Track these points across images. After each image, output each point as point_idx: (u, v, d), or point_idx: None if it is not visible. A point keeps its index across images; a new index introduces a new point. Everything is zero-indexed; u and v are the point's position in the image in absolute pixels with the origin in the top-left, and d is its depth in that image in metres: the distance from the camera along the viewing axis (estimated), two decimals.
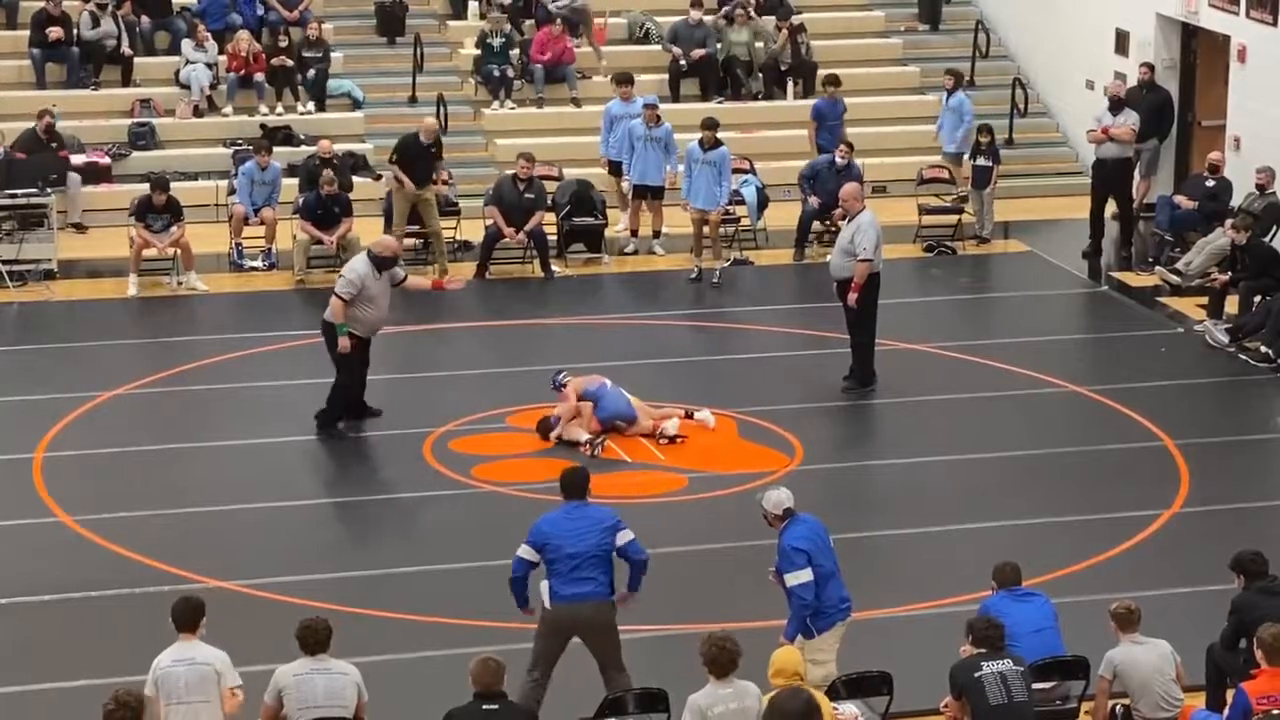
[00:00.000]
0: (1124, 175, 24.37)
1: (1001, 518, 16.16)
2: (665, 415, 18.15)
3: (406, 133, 23.55)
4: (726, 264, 23.16)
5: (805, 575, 12.22)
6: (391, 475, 17.28)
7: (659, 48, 28.13)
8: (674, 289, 22.77)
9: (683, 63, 27.36)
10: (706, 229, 22.96)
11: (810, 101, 27.15)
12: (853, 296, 18.80)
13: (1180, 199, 23.61)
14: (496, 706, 10.82)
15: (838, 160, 23.45)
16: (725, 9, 27.90)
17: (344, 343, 17.45)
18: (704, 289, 22.65)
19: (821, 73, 27.14)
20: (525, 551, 12.44)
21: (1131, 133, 24.03)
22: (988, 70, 28.71)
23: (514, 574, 12.48)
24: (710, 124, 22.99)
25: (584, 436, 17.58)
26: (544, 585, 12.41)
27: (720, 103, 27.27)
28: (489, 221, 23.03)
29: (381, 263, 17.51)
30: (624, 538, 12.46)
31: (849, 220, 19.07)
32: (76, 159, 24.70)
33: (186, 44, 26.52)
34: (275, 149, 24.37)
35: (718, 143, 22.91)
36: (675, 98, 27.19)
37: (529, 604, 12.53)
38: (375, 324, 17.74)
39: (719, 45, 27.56)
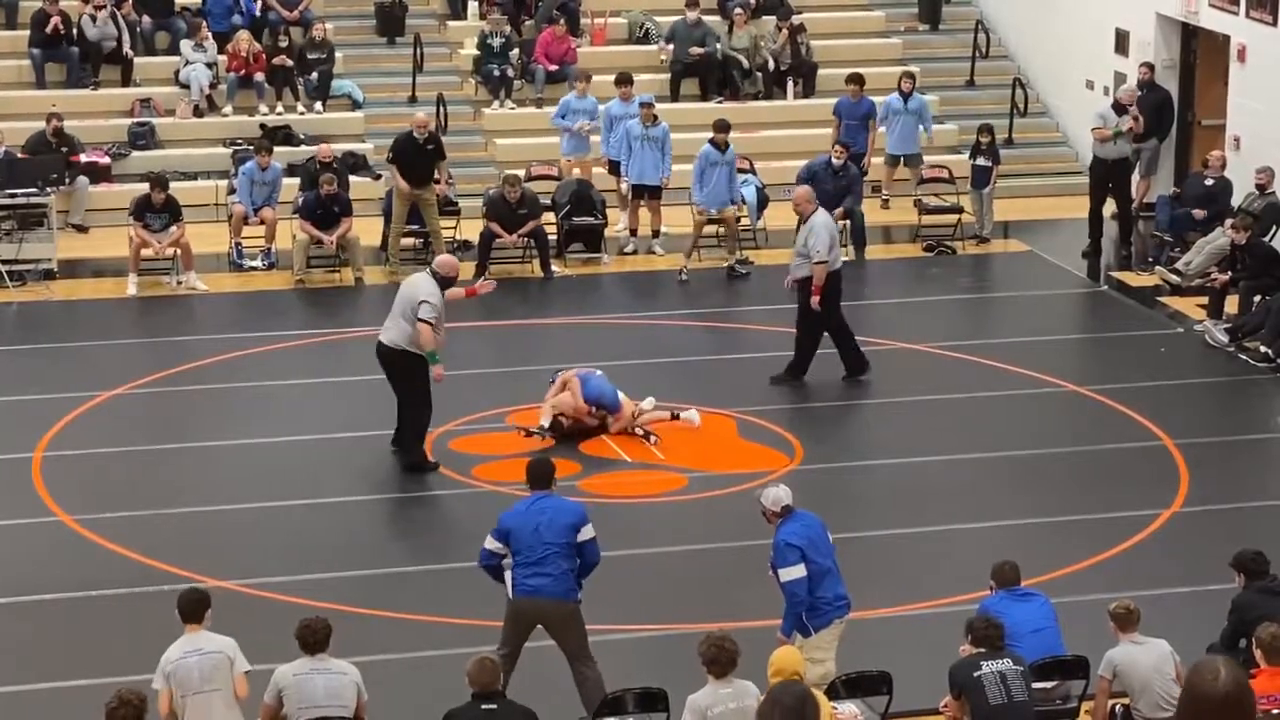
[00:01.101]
0: (1122, 175, 24.38)
1: (1001, 517, 16.16)
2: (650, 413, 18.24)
3: (401, 131, 23.56)
4: (742, 257, 23.21)
5: (798, 571, 12.22)
6: (391, 475, 17.26)
7: (658, 47, 28.13)
8: (674, 289, 22.77)
9: (664, 58, 27.34)
10: (723, 227, 23.06)
11: (809, 101, 27.26)
12: (814, 300, 18.97)
13: (1193, 210, 23.53)
14: (495, 706, 10.82)
15: (834, 161, 23.46)
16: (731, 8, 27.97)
17: (438, 372, 16.88)
18: (702, 289, 22.64)
19: (824, 73, 27.24)
20: (490, 543, 12.59)
21: (1138, 126, 24.16)
22: (988, 70, 28.73)
23: (482, 564, 12.65)
24: (723, 126, 23.05)
25: (546, 421, 17.64)
26: (508, 575, 12.49)
27: (720, 103, 27.30)
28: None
29: (446, 282, 17.28)
30: (585, 534, 12.52)
31: (802, 222, 19.23)
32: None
33: (185, 44, 26.54)
34: (275, 149, 24.36)
35: (728, 143, 23.05)
36: (675, 98, 27.21)
37: (504, 578, 12.63)
38: (440, 345, 17.24)
39: (718, 46, 27.56)
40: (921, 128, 25.91)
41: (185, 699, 11.14)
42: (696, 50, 27.40)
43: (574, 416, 17.91)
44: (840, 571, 12.51)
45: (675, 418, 18.31)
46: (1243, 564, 12.67)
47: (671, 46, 27.59)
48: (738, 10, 27.69)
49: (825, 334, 19.29)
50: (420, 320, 16.76)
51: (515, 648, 12.54)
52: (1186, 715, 6.31)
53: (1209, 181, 23.45)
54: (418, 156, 22.93)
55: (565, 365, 18.50)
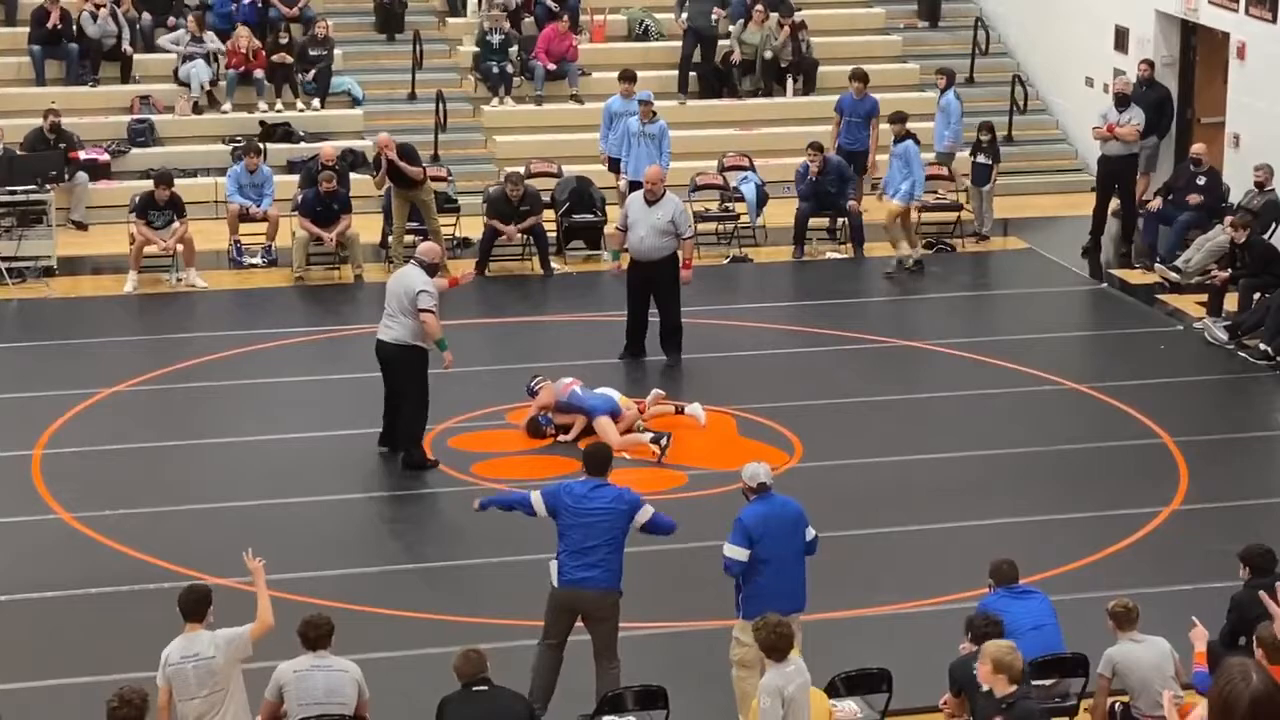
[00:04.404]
0: (1129, 172, 24.38)
1: (1001, 515, 16.16)
2: (652, 412, 18.20)
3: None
4: (919, 253, 23.27)
5: (738, 553, 12.19)
6: (391, 473, 17.25)
7: (657, 44, 28.14)
8: None
9: (681, 25, 27.24)
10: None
11: (810, 98, 27.27)
12: (688, 273, 19.68)
13: (1185, 211, 23.50)
14: (485, 687, 11.00)
15: (810, 168, 23.58)
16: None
17: (450, 357, 16.98)
18: (701, 286, 22.62)
19: (824, 69, 27.26)
20: (535, 501, 12.62)
21: (1136, 131, 24.10)
22: (987, 67, 28.73)
23: (514, 504, 12.85)
24: (898, 118, 23.38)
25: (647, 436, 17.56)
26: (553, 564, 12.49)
27: (722, 100, 27.32)
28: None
29: (432, 269, 17.29)
30: (645, 515, 12.58)
31: (654, 201, 19.49)
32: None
33: (181, 35, 26.52)
34: (274, 145, 24.31)
35: (907, 134, 23.20)
36: (683, 89, 27.27)
37: (486, 509, 12.99)
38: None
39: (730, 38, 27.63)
40: (946, 126, 25.88)
41: (182, 703, 11.14)
42: (720, 12, 27.35)
43: (563, 423, 17.90)
44: (804, 569, 12.40)
45: (680, 411, 18.30)
46: (1250, 557, 12.66)
47: (685, 16, 27.55)
48: (758, 7, 27.57)
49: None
50: (423, 310, 16.74)
51: (560, 637, 12.56)
52: (1216, 716, 6.26)
53: (1200, 180, 23.42)
54: (393, 171, 22.88)
55: (540, 375, 18.43)
